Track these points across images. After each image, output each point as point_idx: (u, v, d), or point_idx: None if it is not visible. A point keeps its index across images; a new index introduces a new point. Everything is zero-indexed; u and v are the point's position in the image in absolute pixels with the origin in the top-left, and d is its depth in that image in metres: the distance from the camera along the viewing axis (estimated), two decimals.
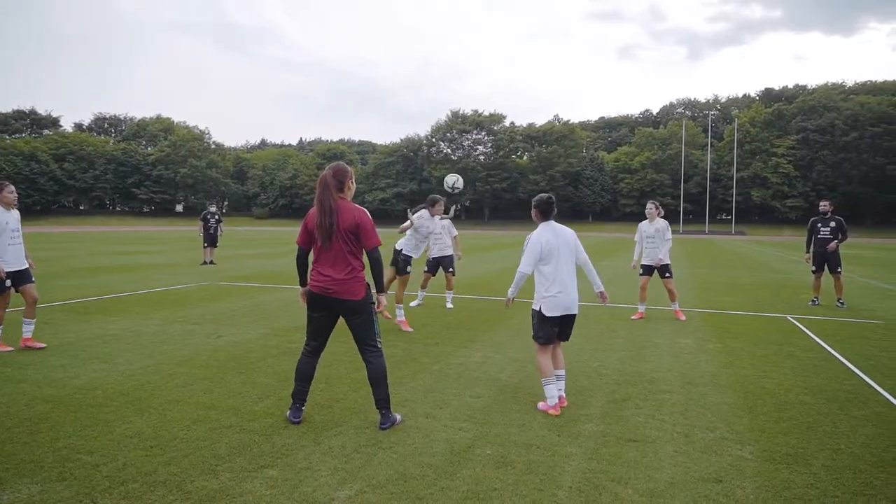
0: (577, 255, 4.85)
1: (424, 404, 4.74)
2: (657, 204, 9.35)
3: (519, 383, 5.41)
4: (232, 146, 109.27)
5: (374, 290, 4.30)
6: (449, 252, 9.74)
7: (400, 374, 5.56)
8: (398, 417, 4.29)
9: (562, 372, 4.86)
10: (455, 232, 9.92)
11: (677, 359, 6.42)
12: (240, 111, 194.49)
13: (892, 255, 27.75)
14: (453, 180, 8.94)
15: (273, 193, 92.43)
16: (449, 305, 9.61)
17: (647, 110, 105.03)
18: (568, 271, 4.74)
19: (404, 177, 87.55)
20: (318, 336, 4.32)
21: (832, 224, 10.62)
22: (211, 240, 17.62)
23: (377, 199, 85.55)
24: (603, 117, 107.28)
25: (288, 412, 4.32)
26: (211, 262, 17.16)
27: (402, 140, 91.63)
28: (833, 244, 10.46)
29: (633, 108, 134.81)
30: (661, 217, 9.15)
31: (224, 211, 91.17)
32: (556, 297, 4.70)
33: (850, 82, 79.26)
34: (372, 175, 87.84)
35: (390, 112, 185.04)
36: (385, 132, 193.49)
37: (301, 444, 3.89)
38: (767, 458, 3.80)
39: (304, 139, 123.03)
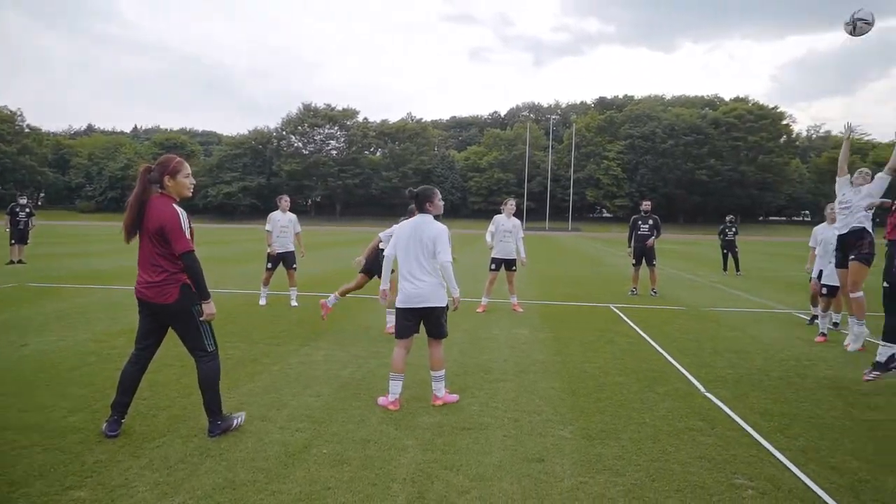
0: (437, 255, 4.69)
1: (261, 406, 4.58)
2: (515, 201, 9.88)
3: (361, 379, 5.41)
4: (51, 131, 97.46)
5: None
6: (292, 248, 9.50)
7: (237, 375, 5.31)
8: (235, 421, 4.08)
9: (436, 373, 4.79)
10: (299, 228, 9.69)
11: (513, 349, 6.79)
12: (62, 93, 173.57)
13: (698, 249, 31.55)
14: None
15: (101, 185, 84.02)
16: (294, 303, 9.35)
17: (495, 112, 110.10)
18: (418, 265, 4.69)
19: (252, 170, 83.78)
20: (142, 340, 4.01)
21: (650, 222, 11.86)
22: (19, 236, 15.59)
23: (222, 193, 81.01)
24: (454, 117, 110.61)
25: (104, 425, 3.94)
26: (19, 262, 15.18)
27: (250, 132, 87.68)
28: (651, 240, 11.68)
29: (482, 109, 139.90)
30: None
31: (38, 203, 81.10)
32: (404, 289, 4.75)
33: (668, 95, 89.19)
34: (216, 168, 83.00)
35: (238, 102, 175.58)
36: (232, 123, 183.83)
37: (117, 459, 3.57)
38: (584, 435, 4.15)
39: (139, 126, 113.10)
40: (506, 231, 9.41)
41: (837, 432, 4.32)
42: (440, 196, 4.96)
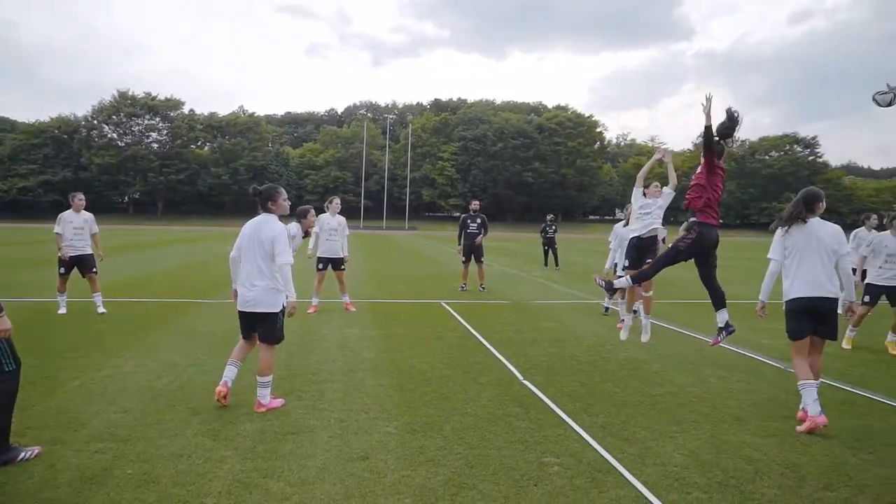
0: (275, 257, 4.53)
1: (54, 429, 4.08)
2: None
3: (177, 389, 5.03)
4: None
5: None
6: (88, 251, 8.58)
7: (26, 395, 4.63)
8: (22, 454, 3.55)
9: (262, 379, 4.59)
10: (96, 229, 8.77)
11: (343, 349, 6.75)
12: None
13: (524, 247, 33.74)
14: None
15: None
16: (100, 310, 8.44)
17: (332, 109, 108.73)
18: (256, 268, 4.54)
19: (55, 163, 74.17)
20: None
21: (478, 220, 12.43)
22: None
23: (15, 187, 70.84)
24: (289, 112, 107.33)
25: None
26: None
27: (52, 119, 77.45)
28: (479, 238, 12.25)
29: (318, 106, 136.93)
30: None
31: None
32: (240, 293, 4.62)
33: (498, 100, 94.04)
34: (9, 159, 72.30)
35: (36, 85, 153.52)
36: (29, 108, 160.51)
37: None
38: (409, 429, 4.24)
39: None
40: (331, 230, 9.32)
41: (631, 407, 4.86)
42: (285, 195, 4.84)
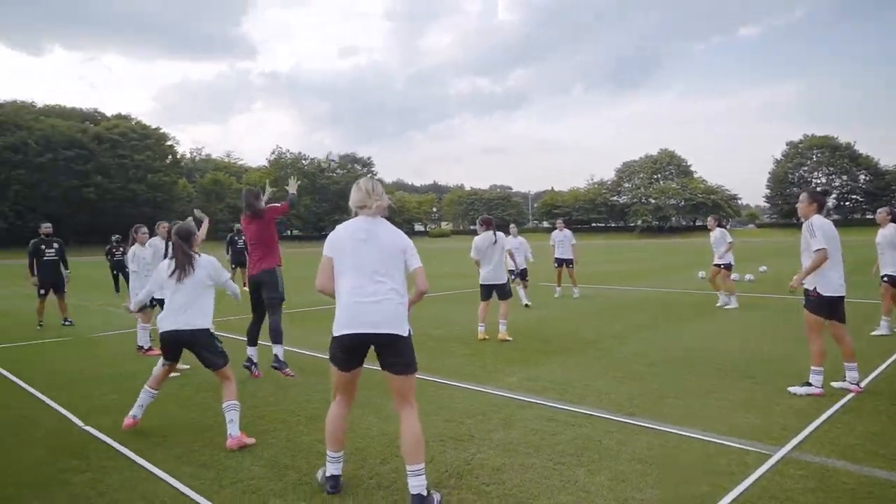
0: None
1: None
2: None
3: None
4: None
5: None
6: None
7: None
8: None
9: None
10: None
11: None
12: None
13: (93, 271, 29.53)
14: None
15: None
16: None
17: None
18: None
19: None
20: None
21: (55, 245, 10.79)
22: None
23: None
24: None
25: None
26: None
27: None
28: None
29: None
30: None
31: None
32: None
33: (40, 103, 79.45)
34: None
35: None
36: None
37: None
38: None
39: None
40: None
41: (211, 431, 4.73)
42: None
